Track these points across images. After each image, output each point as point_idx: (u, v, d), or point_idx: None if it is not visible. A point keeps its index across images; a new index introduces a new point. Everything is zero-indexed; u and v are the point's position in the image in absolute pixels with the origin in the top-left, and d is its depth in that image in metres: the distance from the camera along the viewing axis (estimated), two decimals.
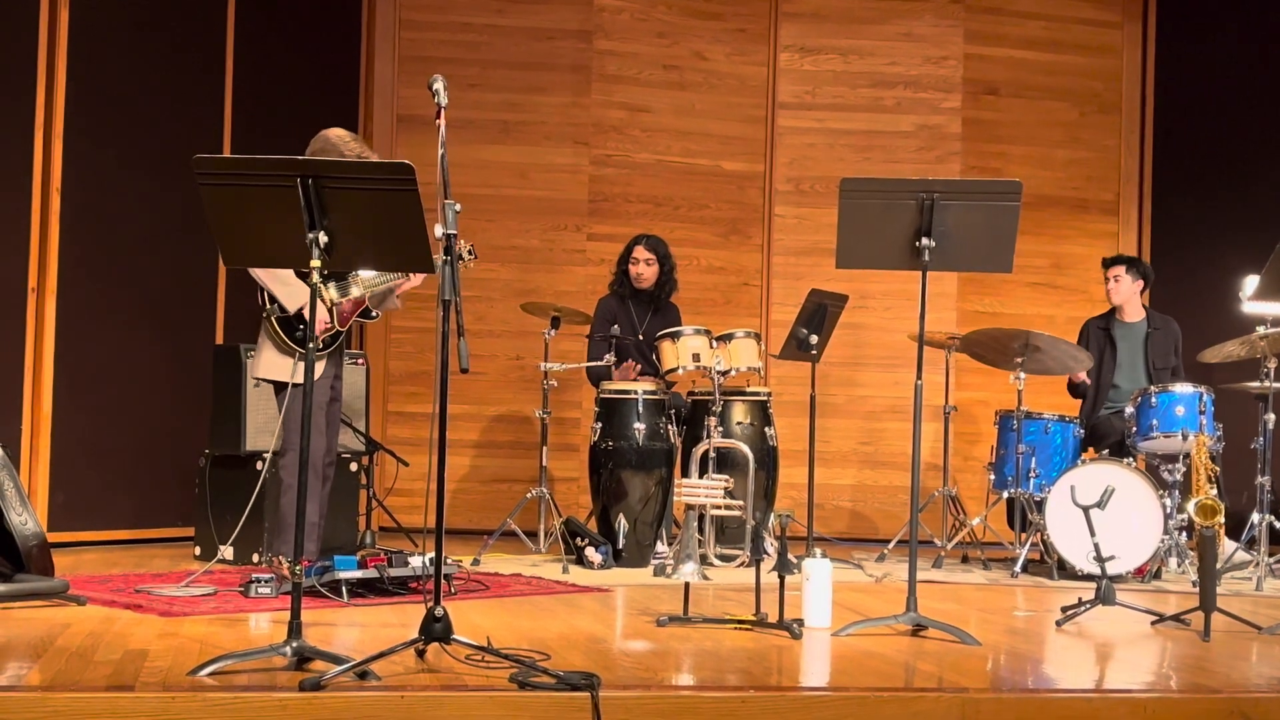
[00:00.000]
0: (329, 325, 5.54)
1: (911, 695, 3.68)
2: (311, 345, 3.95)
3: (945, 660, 4.24)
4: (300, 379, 5.09)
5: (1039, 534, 6.63)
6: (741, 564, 6.51)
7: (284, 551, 5.44)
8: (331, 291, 5.52)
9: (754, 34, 8.69)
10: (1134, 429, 6.75)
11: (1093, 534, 5.22)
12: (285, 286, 5.43)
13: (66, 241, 6.81)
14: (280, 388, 5.57)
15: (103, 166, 6.97)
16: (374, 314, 5.76)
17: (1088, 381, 7.31)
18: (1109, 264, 7.44)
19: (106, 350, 7.00)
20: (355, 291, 5.61)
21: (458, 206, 3.94)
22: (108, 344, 7.00)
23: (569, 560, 6.48)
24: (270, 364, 5.54)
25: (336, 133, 5.52)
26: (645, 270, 7.32)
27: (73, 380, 6.84)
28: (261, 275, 5.44)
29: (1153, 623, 5.07)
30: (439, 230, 3.90)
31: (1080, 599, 5.09)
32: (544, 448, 7.03)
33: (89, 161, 6.89)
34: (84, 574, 5.65)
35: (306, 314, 5.44)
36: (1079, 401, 7.46)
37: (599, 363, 7.00)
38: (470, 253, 5.48)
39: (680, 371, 6.74)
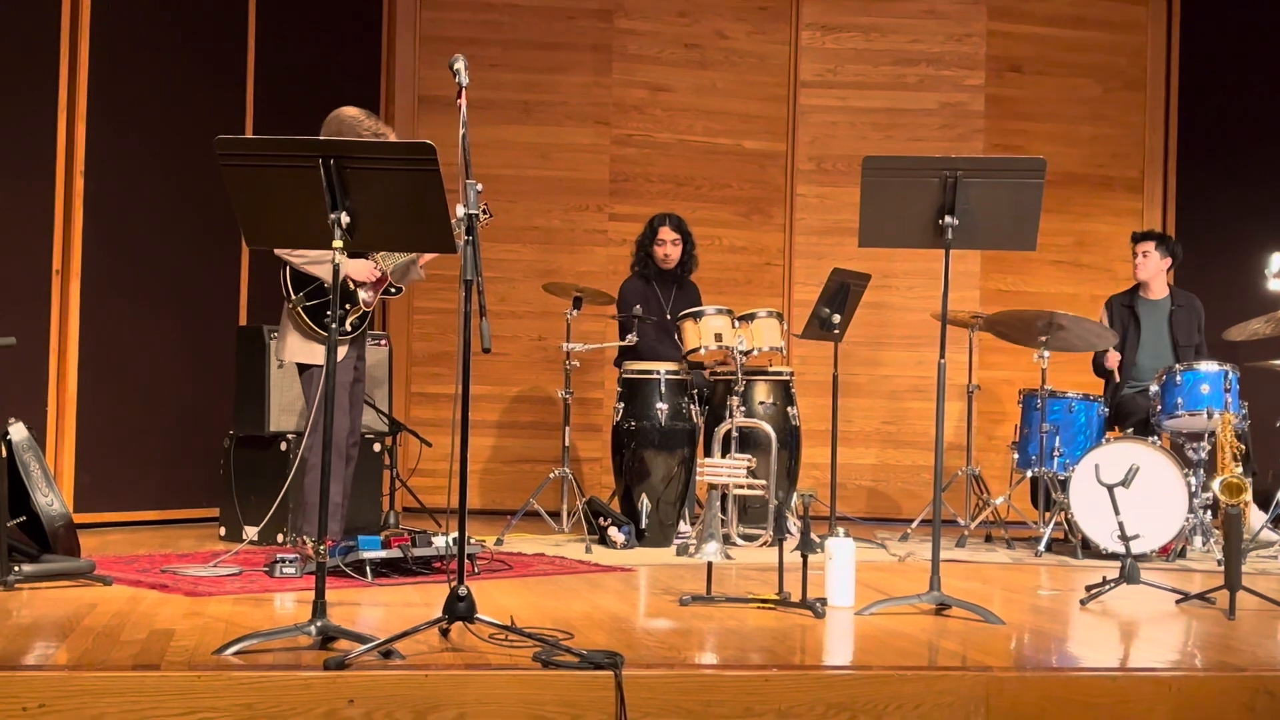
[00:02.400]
0: (377, 277, 5.57)
1: (935, 674, 3.68)
2: (334, 326, 3.95)
3: (969, 639, 4.23)
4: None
5: (1063, 513, 6.61)
6: (764, 543, 6.51)
7: (308, 531, 5.46)
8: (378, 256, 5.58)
9: (775, 12, 8.65)
10: (1159, 407, 6.72)
11: (1117, 513, 5.20)
12: (317, 265, 5.43)
13: (90, 224, 6.83)
14: (305, 370, 5.60)
15: (126, 149, 6.98)
16: (394, 290, 5.77)
17: (1115, 371, 7.26)
18: (1139, 239, 7.39)
19: (131, 332, 7.02)
20: (389, 265, 5.64)
21: (479, 186, 3.94)
22: (132, 325, 7.03)
23: (592, 540, 6.49)
24: (296, 348, 5.56)
25: (351, 112, 5.51)
26: (672, 250, 7.31)
27: (97, 362, 6.87)
28: (294, 258, 5.45)
29: (1177, 601, 5.05)
30: (460, 210, 3.90)
31: (1105, 578, 5.07)
32: (567, 428, 7.04)
33: (112, 144, 6.91)
34: (110, 554, 5.68)
35: (349, 274, 5.48)
36: (1103, 380, 7.43)
37: (623, 343, 6.99)
38: (485, 211, 5.43)
39: (703, 351, 6.73)
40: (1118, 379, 7.28)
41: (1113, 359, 7.25)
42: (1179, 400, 6.63)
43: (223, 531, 6.55)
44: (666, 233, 7.31)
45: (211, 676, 3.38)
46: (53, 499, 5.02)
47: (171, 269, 7.18)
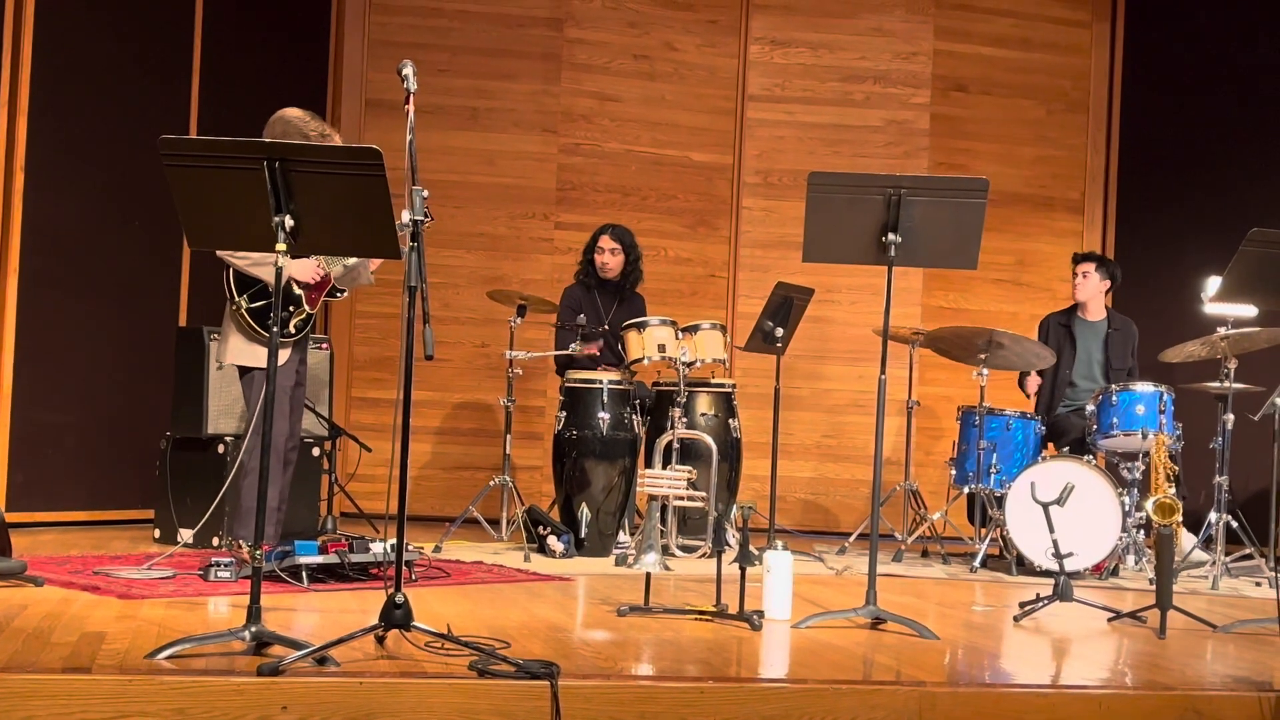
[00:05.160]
0: (320, 277, 5.52)
1: (869, 688, 3.70)
2: (275, 329, 3.93)
3: (903, 654, 4.26)
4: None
5: (999, 530, 6.66)
6: (703, 555, 6.52)
7: (244, 535, 5.42)
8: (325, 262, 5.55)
9: (725, 25, 8.69)
10: (1095, 427, 6.79)
11: (1052, 530, 5.25)
12: (260, 266, 5.39)
13: (29, 219, 6.75)
14: (246, 373, 5.55)
15: (68, 145, 6.91)
16: (339, 293, 5.74)
17: (1032, 394, 7.38)
18: (1079, 260, 7.48)
19: (68, 330, 6.95)
20: (337, 269, 5.60)
21: (425, 193, 3.93)
22: (69, 324, 6.95)
23: (531, 549, 6.48)
24: (238, 350, 5.52)
25: (295, 113, 5.47)
26: (610, 260, 7.32)
27: (33, 359, 6.78)
28: (236, 259, 5.41)
29: (1109, 619, 5.11)
30: (406, 216, 3.89)
31: (1038, 595, 5.12)
32: (508, 436, 7.02)
33: (54, 141, 6.83)
34: (42, 555, 5.61)
35: (293, 275, 5.43)
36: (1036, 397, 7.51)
37: (565, 351, 6.99)
38: (427, 215, 5.40)
39: (645, 362, 6.74)
40: (1032, 402, 7.39)
41: (1032, 384, 7.37)
42: (1114, 420, 6.70)
43: (157, 534, 6.48)
44: (606, 241, 7.33)
45: (144, 680, 3.35)
46: None
47: (111, 268, 7.11)
